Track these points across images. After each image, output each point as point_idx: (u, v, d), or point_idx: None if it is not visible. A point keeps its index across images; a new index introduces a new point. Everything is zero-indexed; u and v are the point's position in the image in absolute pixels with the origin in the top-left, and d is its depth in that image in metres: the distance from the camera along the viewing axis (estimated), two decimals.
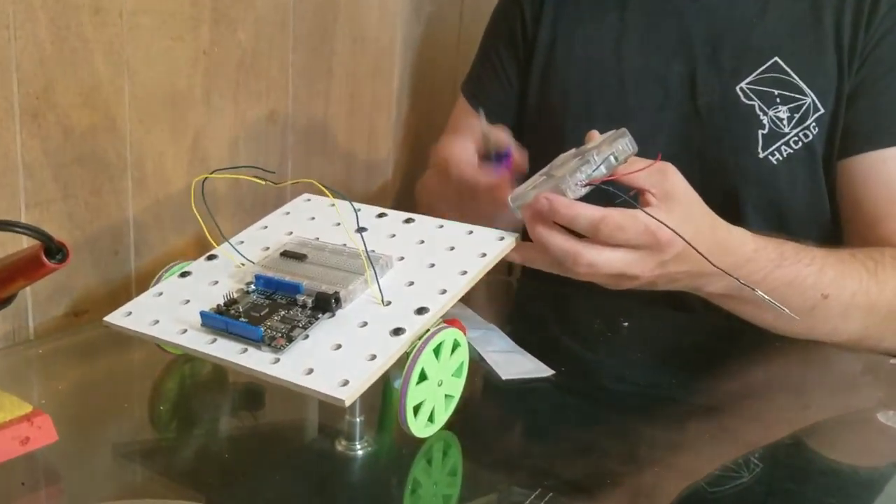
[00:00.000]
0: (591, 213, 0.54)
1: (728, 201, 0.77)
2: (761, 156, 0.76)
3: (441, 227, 0.59)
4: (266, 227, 0.62)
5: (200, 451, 0.51)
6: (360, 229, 0.59)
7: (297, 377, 0.45)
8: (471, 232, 0.58)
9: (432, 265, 0.54)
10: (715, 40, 0.77)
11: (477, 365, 0.61)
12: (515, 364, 0.60)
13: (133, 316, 0.53)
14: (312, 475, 0.48)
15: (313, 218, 0.62)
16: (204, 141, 0.75)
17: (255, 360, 0.47)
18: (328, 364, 0.46)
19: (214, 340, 0.49)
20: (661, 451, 0.53)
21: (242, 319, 0.49)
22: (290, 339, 0.48)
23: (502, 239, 0.57)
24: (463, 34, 1.08)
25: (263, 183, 0.57)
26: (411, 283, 0.53)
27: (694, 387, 0.63)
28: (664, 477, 0.50)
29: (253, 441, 0.52)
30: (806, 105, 0.75)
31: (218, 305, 0.51)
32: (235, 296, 0.52)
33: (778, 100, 0.75)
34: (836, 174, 0.76)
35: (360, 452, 0.50)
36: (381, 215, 0.61)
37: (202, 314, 0.50)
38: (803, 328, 0.67)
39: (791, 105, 0.75)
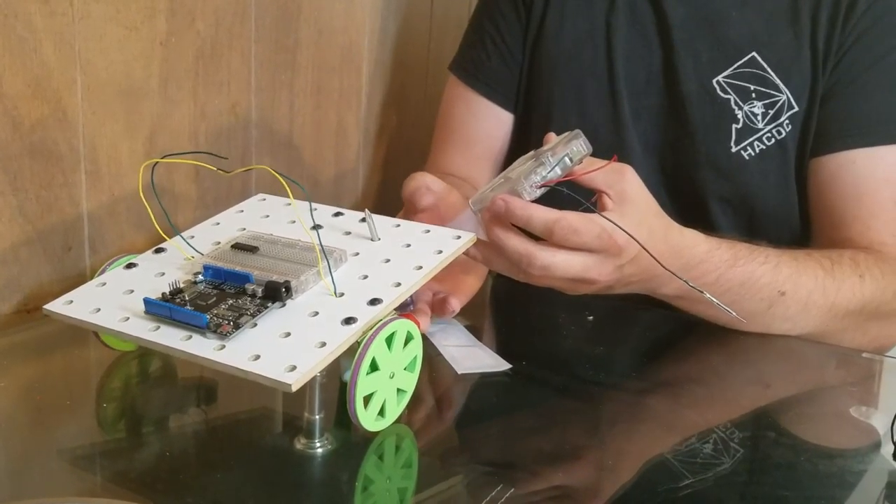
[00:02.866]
0: (545, 214, 0.55)
1: (696, 193, 0.77)
2: (733, 150, 0.77)
3: (398, 226, 0.59)
4: (218, 223, 0.62)
5: (152, 451, 0.50)
6: (316, 226, 0.59)
7: (242, 363, 0.45)
8: (427, 231, 0.58)
9: (387, 260, 0.55)
10: (693, 29, 0.78)
11: (434, 359, 0.61)
12: (473, 358, 0.60)
13: (74, 304, 0.53)
14: (270, 474, 0.48)
15: (268, 216, 0.62)
16: (161, 134, 0.75)
17: (200, 347, 0.47)
18: (276, 350, 0.46)
19: (158, 328, 0.49)
20: (620, 447, 0.53)
21: (188, 307, 0.49)
22: (236, 327, 0.48)
23: (459, 238, 0.57)
24: (434, 25, 1.09)
25: (214, 169, 0.57)
26: (365, 277, 0.53)
27: (659, 382, 0.63)
28: (622, 472, 0.50)
29: (209, 440, 0.52)
30: (781, 102, 0.76)
31: (163, 294, 0.51)
32: (182, 285, 0.52)
33: (753, 95, 0.76)
34: (807, 172, 0.76)
35: (319, 451, 0.50)
36: (337, 214, 0.62)
37: (146, 301, 0.50)
38: (761, 325, 0.68)
39: (766, 101, 0.76)
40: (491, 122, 0.87)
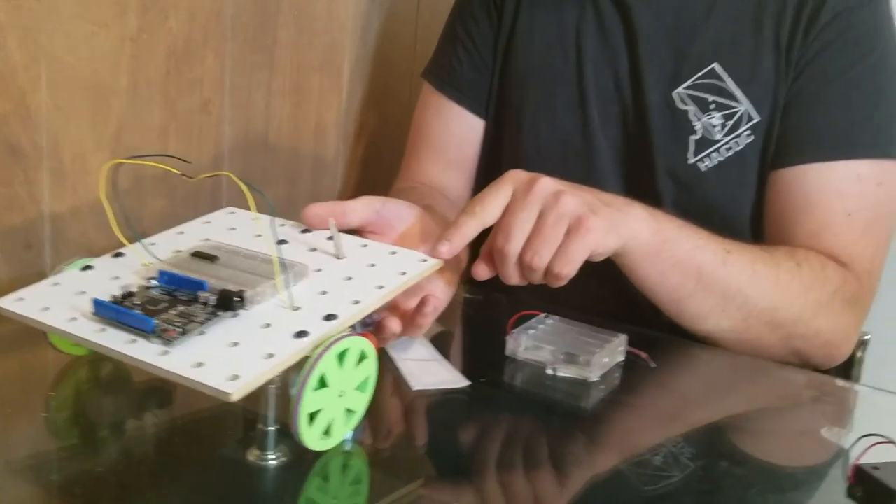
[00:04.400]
0: (465, 216, 0.60)
1: (656, 202, 0.78)
2: (690, 161, 0.77)
3: (365, 245, 0.60)
4: (183, 232, 0.62)
5: (98, 461, 0.50)
6: (280, 241, 0.60)
7: (184, 369, 0.45)
8: (394, 253, 0.59)
9: (349, 278, 0.55)
10: (659, 39, 0.78)
11: (390, 373, 0.60)
12: (431, 373, 0.60)
13: (24, 302, 0.52)
14: (221, 486, 0.48)
15: (234, 228, 0.62)
16: (129, 131, 0.74)
17: (143, 352, 0.47)
18: (220, 359, 0.46)
19: (104, 330, 0.49)
20: (578, 468, 0.53)
21: (137, 311, 0.49)
22: (183, 332, 0.47)
23: (425, 261, 0.58)
24: (421, 24, 1.08)
25: (177, 172, 0.57)
26: (324, 293, 0.53)
27: (621, 401, 0.63)
28: (578, 493, 0.50)
29: (159, 450, 0.52)
30: (739, 113, 0.76)
31: (113, 296, 0.51)
32: (134, 290, 0.52)
33: (712, 106, 0.76)
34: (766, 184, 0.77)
35: (272, 463, 0.49)
36: (304, 231, 0.62)
37: (94, 301, 0.49)
38: (716, 296, 0.68)
39: (725, 112, 0.76)
40: (463, 129, 0.87)
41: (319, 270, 0.56)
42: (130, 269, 0.56)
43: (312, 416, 0.48)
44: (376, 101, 1.04)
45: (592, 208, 0.60)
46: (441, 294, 0.62)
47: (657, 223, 0.65)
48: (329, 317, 0.50)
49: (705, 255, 0.67)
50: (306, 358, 0.47)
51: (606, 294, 0.72)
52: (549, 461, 0.53)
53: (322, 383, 0.48)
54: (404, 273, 0.56)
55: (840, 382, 0.70)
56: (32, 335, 0.54)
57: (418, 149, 0.89)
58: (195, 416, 0.56)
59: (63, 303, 0.52)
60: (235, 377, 0.44)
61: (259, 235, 0.61)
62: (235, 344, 0.47)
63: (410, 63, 1.08)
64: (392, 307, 0.61)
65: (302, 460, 0.49)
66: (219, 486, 0.48)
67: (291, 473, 0.49)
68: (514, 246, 0.60)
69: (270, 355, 0.46)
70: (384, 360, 0.61)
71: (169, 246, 0.59)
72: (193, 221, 0.63)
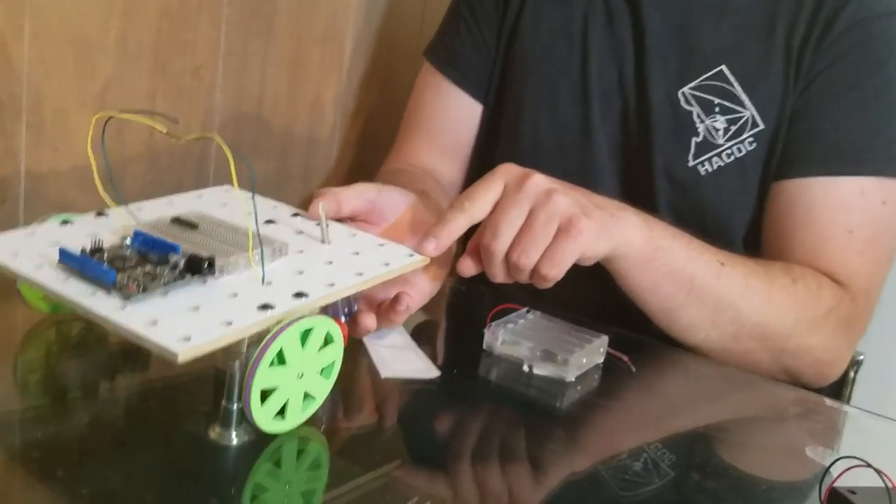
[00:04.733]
0: (454, 212, 0.58)
1: (651, 202, 0.77)
2: (690, 164, 0.76)
3: (354, 235, 0.59)
4: (172, 202, 0.61)
5: (57, 425, 0.49)
6: (269, 221, 0.59)
7: (137, 325, 0.44)
8: (382, 245, 0.58)
9: (330, 262, 0.54)
10: (666, 37, 0.77)
11: (361, 358, 0.59)
12: (402, 361, 0.59)
13: None
14: (176, 460, 0.47)
15: (226, 204, 0.62)
16: (115, 90, 0.73)
17: (101, 304, 0.46)
18: (177, 320, 0.45)
19: (67, 280, 0.48)
20: (539, 468, 0.51)
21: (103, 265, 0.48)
22: (143, 289, 0.46)
23: (411, 255, 0.57)
24: (428, 5, 1.06)
25: (164, 132, 0.54)
26: (300, 272, 0.52)
27: (599, 404, 0.61)
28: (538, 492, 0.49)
29: (121, 418, 0.51)
30: (744, 119, 0.74)
31: (82, 249, 0.50)
32: (105, 246, 0.51)
33: (717, 109, 0.75)
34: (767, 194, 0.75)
35: (233, 442, 0.48)
36: (295, 214, 0.61)
37: (60, 251, 0.49)
38: (708, 308, 0.66)
39: (729, 116, 0.75)
40: (460, 112, 0.86)
41: (301, 252, 0.55)
42: (109, 228, 0.55)
43: (267, 395, 0.46)
44: (378, 80, 1.02)
45: (584, 210, 0.59)
46: (425, 288, 0.61)
47: (650, 230, 0.63)
48: (299, 294, 0.49)
49: (699, 265, 0.65)
50: (268, 331, 0.46)
51: (596, 295, 0.70)
52: (512, 458, 0.51)
53: (280, 360, 0.46)
54: (387, 264, 0.55)
55: (829, 402, 0.68)
56: (4, 290, 0.53)
57: (413, 130, 0.87)
58: (165, 386, 0.55)
59: (34, 251, 0.51)
60: (187, 339, 0.43)
61: (250, 214, 0.59)
62: (196, 308, 0.46)
63: (416, 44, 1.05)
64: (370, 300, 0.60)
65: (263, 443, 0.48)
66: (173, 461, 0.47)
67: (248, 454, 0.47)
68: (501, 243, 0.58)
69: (229, 323, 0.45)
70: (357, 345, 0.60)
71: (154, 214, 0.58)
72: (186, 193, 0.63)
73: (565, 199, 0.58)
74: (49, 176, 0.70)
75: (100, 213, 0.57)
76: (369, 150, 1.03)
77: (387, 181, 0.77)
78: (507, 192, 0.59)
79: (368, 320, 0.58)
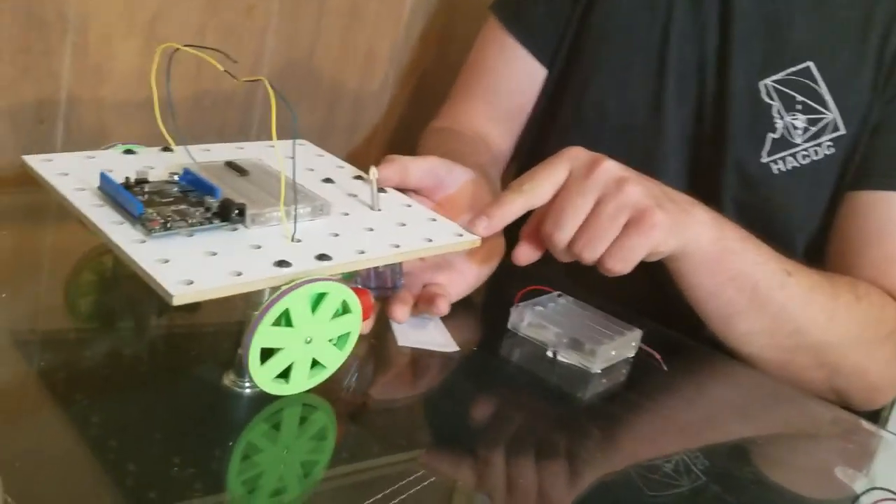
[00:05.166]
0: (512, 193, 0.55)
1: (715, 194, 0.73)
2: (763, 160, 0.73)
3: (409, 206, 0.57)
4: (242, 148, 0.60)
5: (81, 355, 0.50)
6: (326, 180, 0.57)
7: (146, 261, 0.43)
8: (434, 220, 0.55)
9: (371, 229, 0.52)
10: (755, 24, 0.73)
11: (381, 325, 0.57)
12: (422, 332, 0.57)
13: (49, 164, 0.52)
14: (186, 403, 0.47)
15: (291, 158, 0.60)
16: (164, 21, 0.71)
17: (122, 235, 0.45)
18: (188, 262, 0.44)
19: (101, 206, 0.48)
20: (548, 457, 0.49)
21: (138, 197, 0.48)
22: (166, 227, 0.46)
23: (460, 235, 0.54)
24: None
25: (221, 69, 0.53)
26: (336, 235, 0.50)
27: (621, 399, 0.58)
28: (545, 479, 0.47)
29: (138, 360, 0.51)
30: (825, 121, 0.71)
31: (126, 178, 0.50)
32: (150, 178, 0.51)
33: (799, 107, 0.71)
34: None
35: (246, 391, 0.47)
36: (357, 177, 0.59)
37: (102, 175, 0.49)
38: (767, 318, 0.64)
39: (810, 116, 0.71)
40: (522, 75, 0.81)
41: (346, 215, 0.53)
42: (166, 164, 0.55)
43: (269, 353, 0.45)
44: (436, 37, 0.99)
45: (658, 202, 0.55)
46: (470, 277, 0.59)
47: (720, 231, 0.60)
48: (322, 256, 0.47)
49: (764, 273, 0.62)
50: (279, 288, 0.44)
51: (645, 292, 0.67)
52: (525, 444, 0.50)
53: (287, 321, 0.45)
54: (430, 241, 0.52)
55: (866, 424, 0.65)
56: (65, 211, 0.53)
57: (470, 88, 0.83)
58: (190, 329, 0.54)
59: (84, 175, 0.51)
60: (189, 283, 0.42)
61: (312, 170, 0.59)
62: (213, 254, 0.45)
63: (479, 2, 1.02)
64: (414, 282, 0.58)
65: (274, 397, 0.47)
66: (183, 403, 0.47)
67: (257, 406, 0.47)
68: (563, 235, 0.55)
69: (239, 273, 0.44)
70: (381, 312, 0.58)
71: (220, 156, 0.57)
72: (258, 143, 0.62)
73: (638, 188, 0.55)
74: (89, 100, 0.69)
75: (165, 149, 0.57)
76: (420, 109, 1.01)
77: (436, 139, 0.74)
78: (573, 177, 0.56)
79: (399, 311, 0.55)
